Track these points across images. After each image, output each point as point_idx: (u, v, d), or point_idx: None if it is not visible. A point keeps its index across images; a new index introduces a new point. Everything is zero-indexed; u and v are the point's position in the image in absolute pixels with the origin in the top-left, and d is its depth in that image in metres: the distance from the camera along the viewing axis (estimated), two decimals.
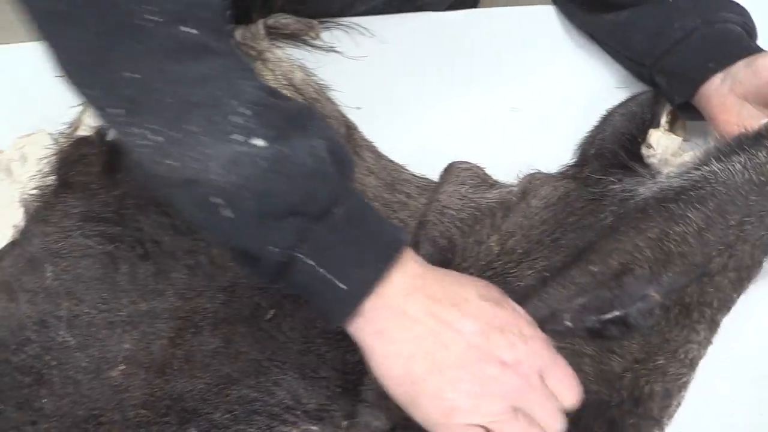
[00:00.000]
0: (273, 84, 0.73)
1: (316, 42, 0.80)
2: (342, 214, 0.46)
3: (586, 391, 0.49)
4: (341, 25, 0.82)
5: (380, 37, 0.81)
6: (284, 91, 0.73)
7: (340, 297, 0.46)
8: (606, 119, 0.75)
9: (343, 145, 0.51)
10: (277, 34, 0.79)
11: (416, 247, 0.62)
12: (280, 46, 0.78)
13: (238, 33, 0.77)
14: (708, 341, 0.54)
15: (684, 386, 0.53)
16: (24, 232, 0.67)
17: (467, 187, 0.67)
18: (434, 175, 0.71)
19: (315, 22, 0.81)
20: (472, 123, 0.77)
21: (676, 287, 0.53)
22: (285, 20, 0.79)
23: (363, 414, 0.55)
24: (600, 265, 0.54)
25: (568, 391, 0.48)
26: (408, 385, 0.46)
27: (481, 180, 0.69)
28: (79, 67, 0.47)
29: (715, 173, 0.57)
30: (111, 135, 0.68)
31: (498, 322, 0.47)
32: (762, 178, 0.55)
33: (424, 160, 0.72)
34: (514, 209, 0.65)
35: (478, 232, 0.64)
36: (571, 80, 0.81)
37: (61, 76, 0.48)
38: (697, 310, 0.53)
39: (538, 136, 0.76)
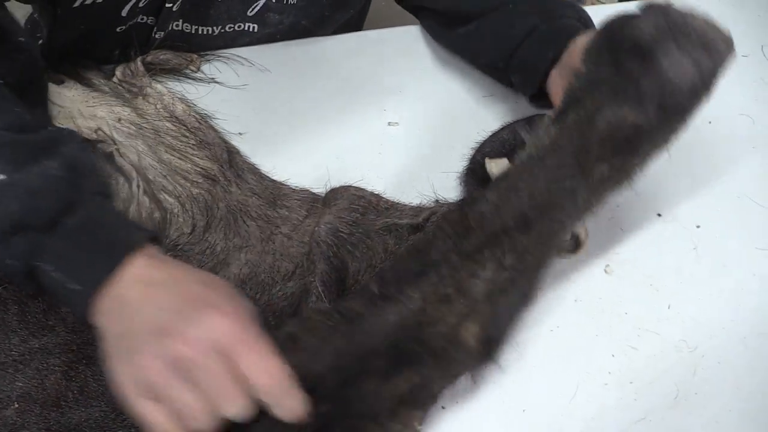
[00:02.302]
0: (154, 116, 0.76)
1: (197, 75, 0.84)
2: (74, 224, 0.53)
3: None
4: (221, 57, 0.85)
5: (259, 66, 0.85)
6: (166, 123, 0.76)
7: (77, 296, 0.52)
8: (478, 149, 0.77)
9: (90, 163, 0.58)
10: (157, 70, 0.82)
11: (312, 263, 0.66)
12: (160, 81, 0.80)
13: (119, 71, 0.80)
14: None
15: None
16: None
17: (357, 214, 0.71)
18: (316, 188, 0.75)
19: (195, 56, 0.84)
20: (352, 140, 0.82)
21: None
22: (164, 56, 0.82)
23: None
24: None
25: (258, 374, 0.48)
26: (113, 359, 0.52)
27: (372, 206, 0.73)
28: None
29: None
30: None
31: (201, 303, 0.50)
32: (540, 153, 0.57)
33: (307, 176, 0.76)
34: (410, 239, 0.70)
35: (370, 257, 0.68)
36: (442, 93, 0.87)
37: None
38: None
39: (414, 147, 0.82)
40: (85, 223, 0.53)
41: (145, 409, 0.49)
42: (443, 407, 0.64)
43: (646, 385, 0.66)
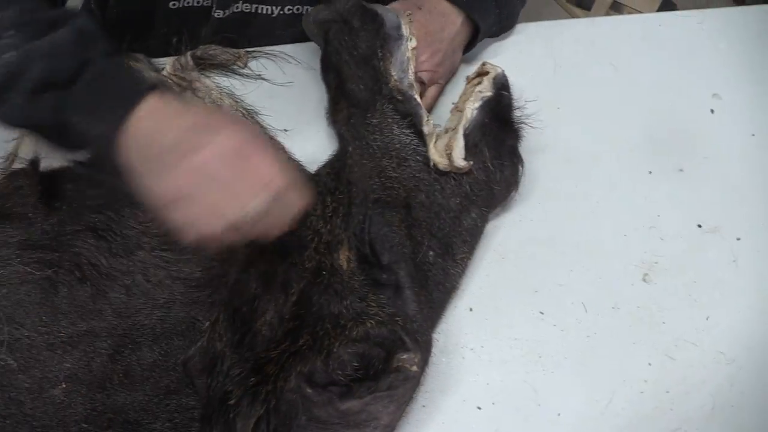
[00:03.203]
0: None
1: (244, 71, 0.85)
2: (90, 78, 0.60)
3: None
4: (267, 54, 0.87)
5: (305, 64, 0.86)
6: None
7: (103, 140, 0.59)
8: None
9: (98, 30, 0.64)
10: (206, 65, 0.83)
11: None
12: (209, 76, 0.82)
13: (169, 65, 0.81)
14: None
15: None
16: None
17: None
18: None
19: (242, 51, 0.85)
20: None
21: None
22: (213, 51, 0.84)
23: None
24: None
25: (268, 173, 0.57)
26: (143, 179, 0.58)
27: None
28: None
29: None
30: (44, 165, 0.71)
31: (210, 124, 0.58)
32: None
33: None
34: None
35: None
36: None
37: None
38: None
39: None
40: (99, 77, 0.60)
41: (178, 210, 0.57)
42: (479, 407, 0.65)
43: (683, 395, 0.67)
